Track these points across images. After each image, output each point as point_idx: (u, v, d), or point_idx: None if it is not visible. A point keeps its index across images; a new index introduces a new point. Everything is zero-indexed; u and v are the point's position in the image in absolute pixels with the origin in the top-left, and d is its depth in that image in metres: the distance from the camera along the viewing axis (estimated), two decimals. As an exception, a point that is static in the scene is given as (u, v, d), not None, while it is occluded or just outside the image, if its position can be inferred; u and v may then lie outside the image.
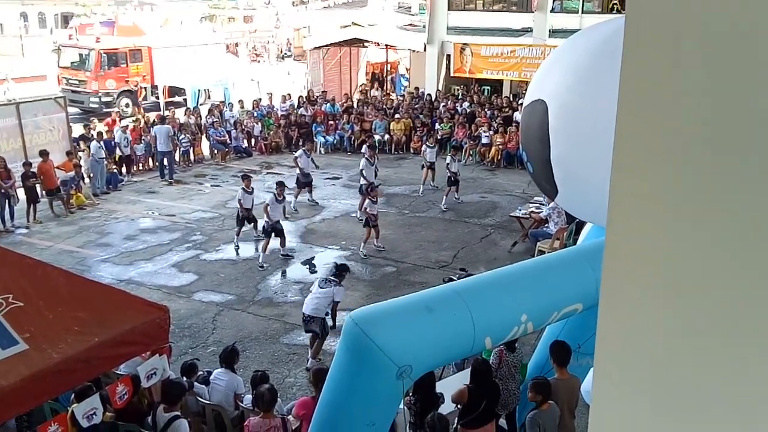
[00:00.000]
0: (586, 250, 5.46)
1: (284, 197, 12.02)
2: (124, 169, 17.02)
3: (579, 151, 4.74)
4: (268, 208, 11.44)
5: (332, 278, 8.31)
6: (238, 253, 12.02)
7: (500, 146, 18.28)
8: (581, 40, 5.41)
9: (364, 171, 13.98)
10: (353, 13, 31.70)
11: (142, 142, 17.37)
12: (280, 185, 11.91)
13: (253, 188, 12.42)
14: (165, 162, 16.85)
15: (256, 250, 11.93)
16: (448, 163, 14.53)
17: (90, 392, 5.24)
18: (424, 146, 16.25)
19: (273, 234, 11.51)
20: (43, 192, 13.97)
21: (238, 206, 12.13)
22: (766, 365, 1.04)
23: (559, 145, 4.86)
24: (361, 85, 24.58)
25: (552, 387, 5.68)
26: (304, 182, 14.69)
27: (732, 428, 1.10)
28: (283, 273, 11.31)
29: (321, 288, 8.20)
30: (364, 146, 15.52)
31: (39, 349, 4.67)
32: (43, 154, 13.98)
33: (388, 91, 24.57)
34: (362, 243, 11.95)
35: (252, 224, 12.28)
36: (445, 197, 14.64)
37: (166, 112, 20.02)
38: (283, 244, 11.74)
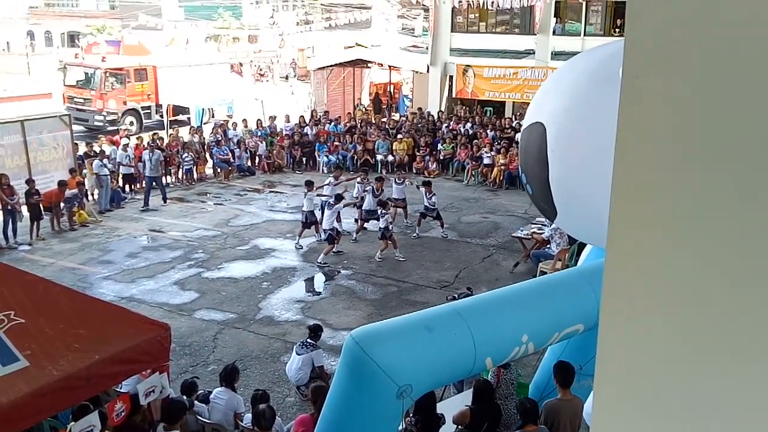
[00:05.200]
0: (588, 271, 5.45)
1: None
2: (127, 187, 17.09)
3: (577, 172, 4.76)
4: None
5: (308, 342, 7.99)
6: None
7: (502, 167, 18.33)
8: (579, 63, 5.45)
9: (365, 198, 13.80)
10: (357, 34, 31.97)
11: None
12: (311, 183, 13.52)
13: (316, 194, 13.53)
14: (154, 185, 16.47)
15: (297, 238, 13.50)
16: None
17: (87, 411, 5.23)
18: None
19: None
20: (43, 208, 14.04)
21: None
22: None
23: (558, 166, 4.88)
24: (364, 113, 24.73)
25: (554, 408, 5.65)
26: (308, 222, 13.57)
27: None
28: (285, 291, 11.29)
29: (298, 355, 7.91)
30: (359, 178, 15.11)
31: (39, 366, 4.67)
32: (62, 184, 14.19)
33: (392, 117, 24.63)
34: (379, 251, 12.77)
35: (313, 227, 13.40)
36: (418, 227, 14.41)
37: (170, 131, 20.15)
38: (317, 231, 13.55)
